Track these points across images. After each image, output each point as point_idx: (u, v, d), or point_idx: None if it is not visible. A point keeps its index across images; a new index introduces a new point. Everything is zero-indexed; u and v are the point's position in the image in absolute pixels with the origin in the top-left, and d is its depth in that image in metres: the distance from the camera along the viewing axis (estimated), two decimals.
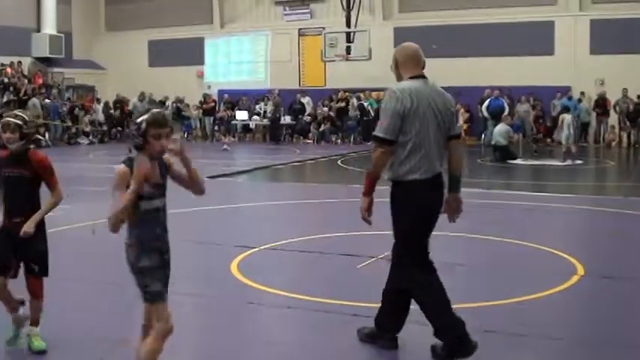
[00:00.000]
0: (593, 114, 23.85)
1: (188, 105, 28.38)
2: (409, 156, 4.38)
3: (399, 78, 4.59)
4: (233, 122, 27.56)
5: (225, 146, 22.85)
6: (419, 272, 4.49)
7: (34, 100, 24.93)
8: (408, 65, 4.56)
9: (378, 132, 4.42)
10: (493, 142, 19.10)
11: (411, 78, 4.51)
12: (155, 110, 3.67)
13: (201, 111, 28.10)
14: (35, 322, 4.68)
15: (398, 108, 4.34)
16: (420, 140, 4.38)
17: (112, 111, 27.04)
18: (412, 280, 4.51)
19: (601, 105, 23.53)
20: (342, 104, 26.05)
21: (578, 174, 16.58)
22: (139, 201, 3.59)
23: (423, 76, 4.55)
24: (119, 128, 26.64)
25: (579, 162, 17.77)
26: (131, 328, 5.24)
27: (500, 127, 18.95)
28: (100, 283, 6.47)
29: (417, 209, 4.45)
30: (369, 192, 4.51)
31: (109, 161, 20.27)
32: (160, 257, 3.72)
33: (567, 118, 18.01)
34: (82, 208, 11.22)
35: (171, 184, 3.79)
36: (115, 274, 6.79)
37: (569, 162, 17.55)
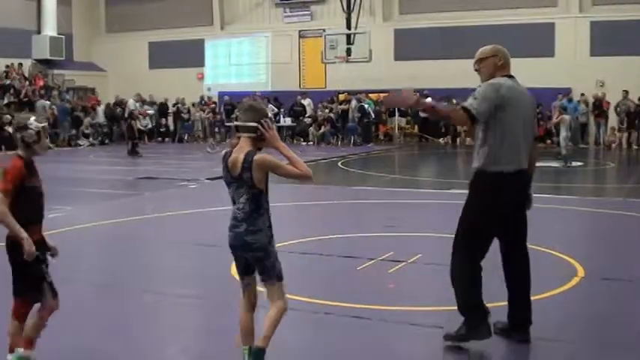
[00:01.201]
0: (592, 115, 23.84)
1: (187, 107, 28.39)
2: (498, 146, 4.44)
3: (490, 77, 4.63)
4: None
5: (207, 148, 22.78)
6: (465, 261, 4.55)
7: (43, 102, 24.77)
8: (506, 66, 4.72)
9: (469, 105, 4.39)
10: None
11: (503, 77, 4.63)
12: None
13: (204, 112, 28.09)
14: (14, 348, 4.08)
15: (494, 96, 4.41)
16: (510, 133, 4.46)
17: (114, 111, 27.03)
18: (457, 267, 4.56)
19: (598, 107, 23.55)
20: (346, 106, 26.06)
21: (578, 175, 16.57)
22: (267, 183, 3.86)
23: (513, 77, 4.69)
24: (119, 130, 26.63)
25: (578, 164, 17.73)
26: (136, 330, 5.25)
27: None
28: (104, 286, 6.47)
29: (493, 201, 4.47)
30: (433, 106, 4.48)
31: (110, 163, 20.30)
32: None
33: (566, 119, 17.88)
34: (83, 210, 11.28)
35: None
36: (117, 276, 6.83)
37: (568, 164, 17.48)
